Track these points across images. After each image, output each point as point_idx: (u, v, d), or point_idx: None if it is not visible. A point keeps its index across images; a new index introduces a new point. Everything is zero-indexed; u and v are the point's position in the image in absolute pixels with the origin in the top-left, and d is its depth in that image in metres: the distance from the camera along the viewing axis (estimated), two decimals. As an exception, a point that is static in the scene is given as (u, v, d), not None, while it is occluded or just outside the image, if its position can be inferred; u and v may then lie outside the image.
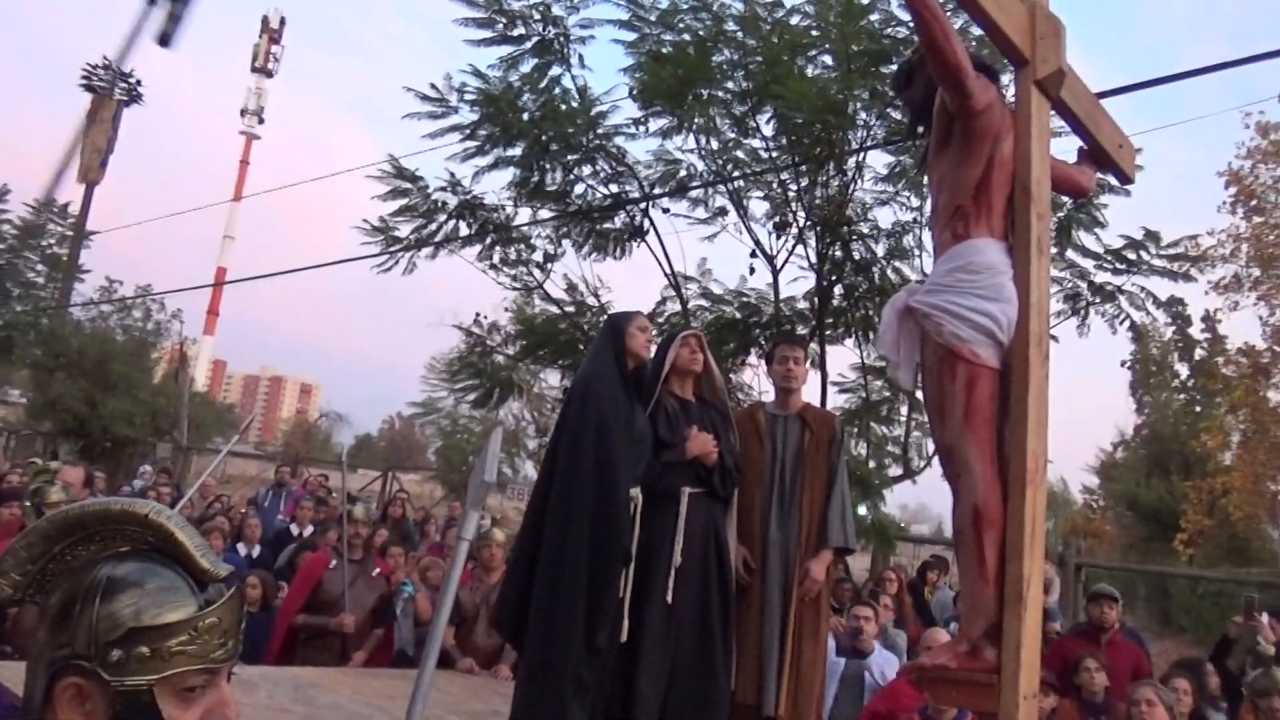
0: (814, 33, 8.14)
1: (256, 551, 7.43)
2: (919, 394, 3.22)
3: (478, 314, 10.71)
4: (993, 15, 2.46)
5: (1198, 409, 22.67)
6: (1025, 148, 2.56)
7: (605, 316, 8.97)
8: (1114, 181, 4.75)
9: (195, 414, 23.59)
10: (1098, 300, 8.51)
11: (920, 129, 2.89)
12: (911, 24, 2.73)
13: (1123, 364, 25.09)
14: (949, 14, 2.92)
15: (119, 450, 19.41)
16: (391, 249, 9.70)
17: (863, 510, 8.44)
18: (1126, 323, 8.61)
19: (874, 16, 7.89)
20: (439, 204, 9.49)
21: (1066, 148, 3.34)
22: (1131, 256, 8.20)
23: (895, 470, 9.36)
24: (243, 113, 70.50)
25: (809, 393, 8.36)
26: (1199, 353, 23.80)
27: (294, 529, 8.19)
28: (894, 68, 7.67)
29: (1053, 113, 2.74)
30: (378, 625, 5.43)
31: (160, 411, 20.68)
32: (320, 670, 4.66)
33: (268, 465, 20.64)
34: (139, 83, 32.61)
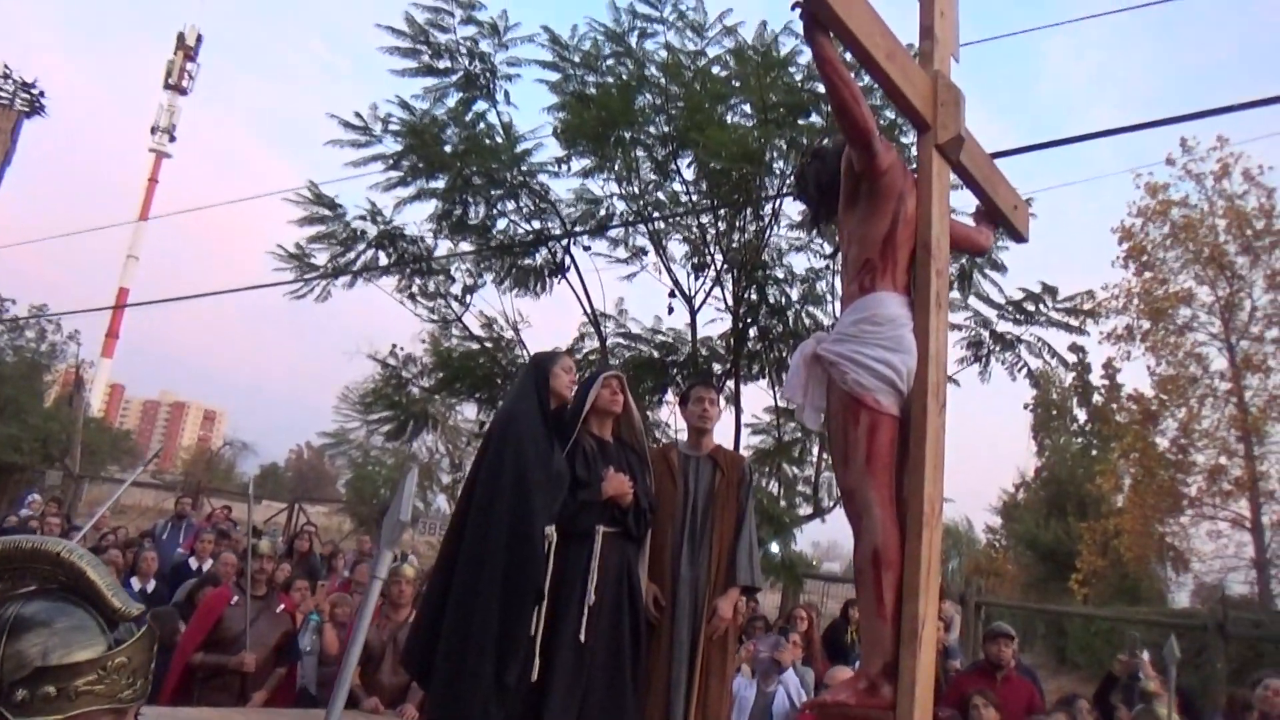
0: (734, 83, 8.38)
1: (151, 586, 7.13)
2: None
3: (394, 345, 10.59)
4: (898, 83, 2.61)
5: (1094, 453, 23.64)
6: (926, 208, 2.71)
7: (528, 353, 8.99)
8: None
9: (89, 440, 22.59)
10: (998, 348, 8.88)
11: (820, 222, 3.03)
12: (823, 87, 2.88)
13: (1025, 406, 26.09)
14: (856, 78, 3.08)
15: (5, 477, 18.52)
16: (306, 276, 9.54)
17: (775, 548, 8.57)
18: (1025, 370, 9.00)
19: (791, 69, 8.18)
20: (358, 233, 9.40)
21: (968, 200, 3.53)
22: (1030, 308, 8.59)
23: (806, 509, 9.54)
24: (153, 130, 68.57)
25: (724, 432, 8.57)
26: (1097, 398, 24.88)
27: (193, 563, 7.89)
28: (811, 120, 7.96)
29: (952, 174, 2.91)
30: (280, 663, 5.28)
31: (51, 437, 19.82)
32: (219, 711, 4.52)
33: (165, 495, 19.86)
34: (41, 94, 31.41)
